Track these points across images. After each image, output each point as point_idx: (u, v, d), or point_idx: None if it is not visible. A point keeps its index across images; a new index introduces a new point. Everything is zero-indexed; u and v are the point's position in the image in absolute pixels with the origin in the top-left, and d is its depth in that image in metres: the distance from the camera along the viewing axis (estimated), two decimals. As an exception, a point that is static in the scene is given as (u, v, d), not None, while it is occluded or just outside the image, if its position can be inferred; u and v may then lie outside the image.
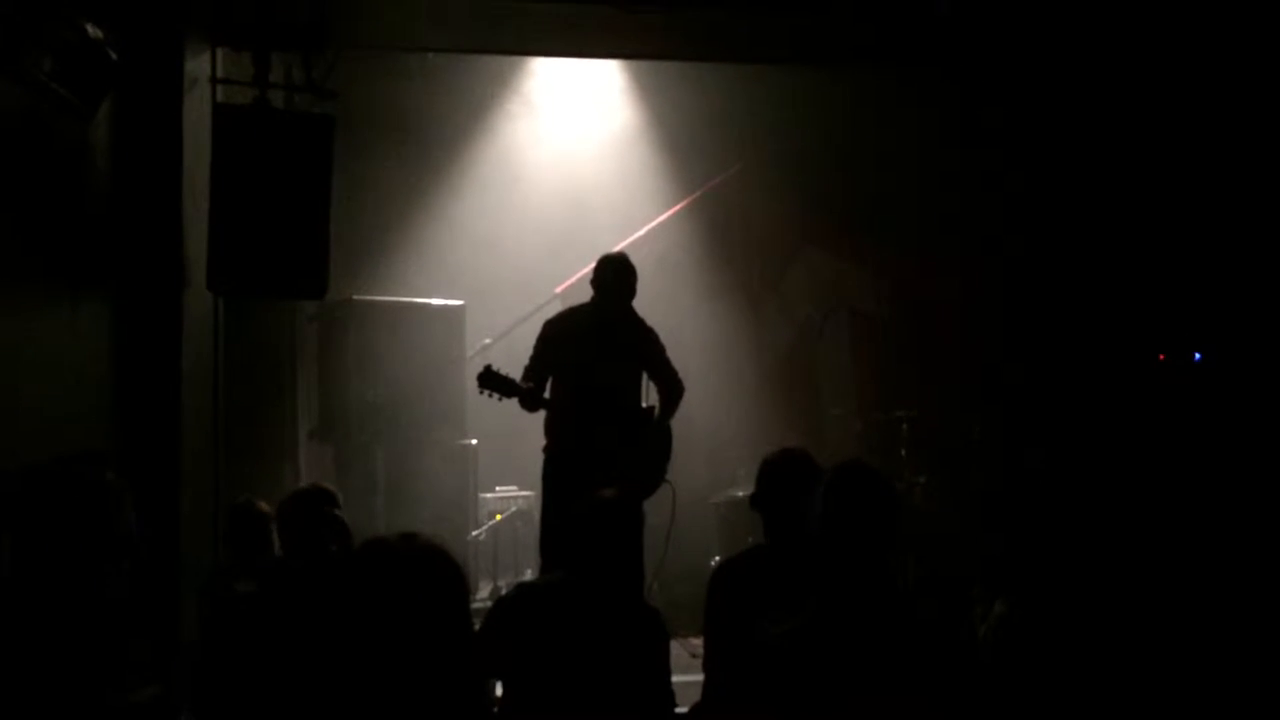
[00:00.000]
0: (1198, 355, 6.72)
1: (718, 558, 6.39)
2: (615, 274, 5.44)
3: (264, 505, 4.31)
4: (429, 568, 2.12)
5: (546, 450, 5.39)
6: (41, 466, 2.82)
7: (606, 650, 3.27)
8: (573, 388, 5.29)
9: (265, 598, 3.76)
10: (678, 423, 5.87)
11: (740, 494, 6.78)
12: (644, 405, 5.60)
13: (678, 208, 7.87)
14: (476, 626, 3.18)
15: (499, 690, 3.43)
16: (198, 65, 5.24)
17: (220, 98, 5.25)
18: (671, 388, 5.61)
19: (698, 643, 5.20)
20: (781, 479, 3.60)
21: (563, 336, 5.43)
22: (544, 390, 5.34)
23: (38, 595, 2.56)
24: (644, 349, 5.55)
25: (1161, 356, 6.79)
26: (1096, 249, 6.76)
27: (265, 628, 3.59)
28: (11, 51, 3.20)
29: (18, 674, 2.40)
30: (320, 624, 2.61)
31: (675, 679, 3.55)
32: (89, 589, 2.75)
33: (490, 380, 5.16)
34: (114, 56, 3.63)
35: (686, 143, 7.85)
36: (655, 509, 5.49)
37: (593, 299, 5.50)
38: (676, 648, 5.63)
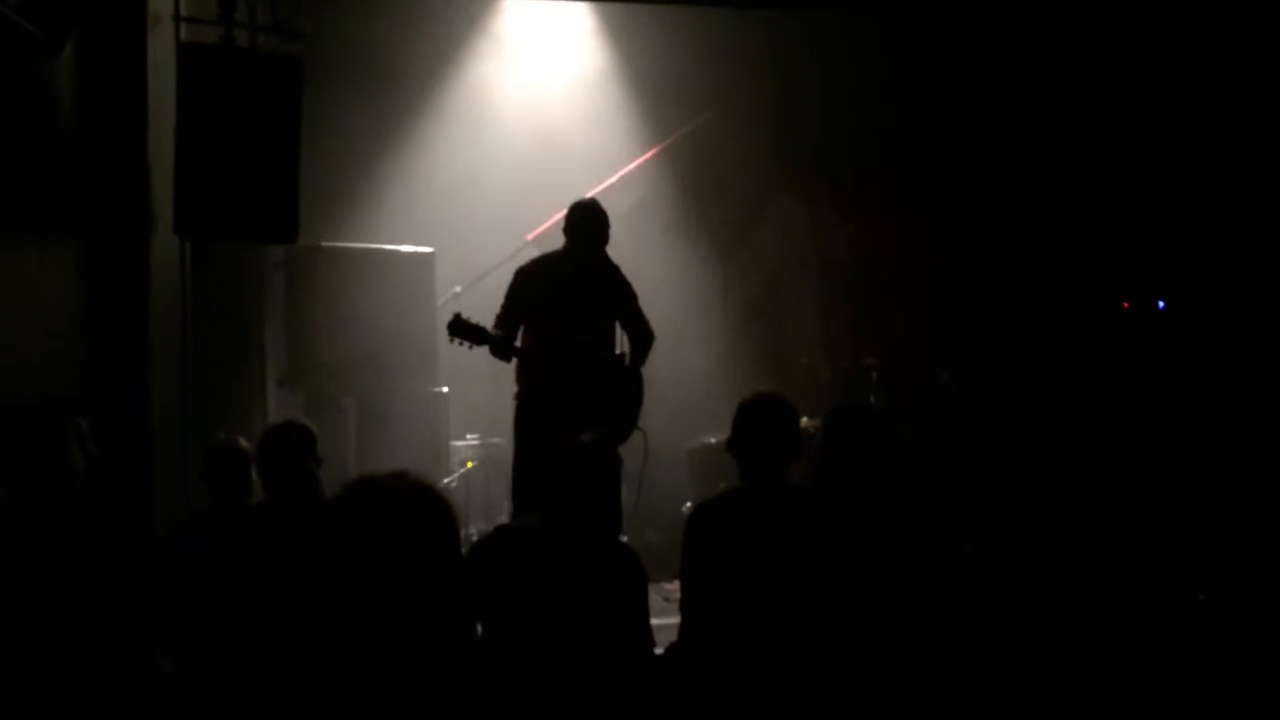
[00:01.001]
0: (1161, 304, 6.81)
1: (689, 504, 6.44)
2: (586, 221, 5.40)
3: (244, 443, 4.28)
4: (420, 505, 2.11)
5: (518, 398, 5.38)
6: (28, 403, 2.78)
7: (586, 593, 3.30)
8: (545, 335, 5.28)
9: (246, 541, 3.75)
10: (648, 370, 5.88)
11: (712, 440, 6.83)
12: (617, 353, 5.60)
13: (649, 154, 7.82)
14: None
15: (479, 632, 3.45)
16: (162, 3, 5.12)
17: (184, 36, 5.14)
18: (643, 336, 5.61)
19: (671, 586, 5.27)
20: (758, 423, 3.62)
21: (535, 284, 5.40)
22: (515, 338, 5.32)
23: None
24: (617, 296, 5.54)
25: (1126, 305, 6.88)
26: (1065, 197, 6.80)
27: (244, 573, 3.59)
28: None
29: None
30: (308, 563, 2.61)
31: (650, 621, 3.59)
32: (44, 527, 2.72)
33: (460, 329, 5.13)
34: (80, -9, 3.54)
35: (658, 87, 7.80)
36: (627, 455, 5.52)
37: (565, 246, 5.47)
38: (650, 592, 5.72)
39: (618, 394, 5.43)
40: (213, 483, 4.31)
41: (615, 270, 5.56)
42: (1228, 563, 4.55)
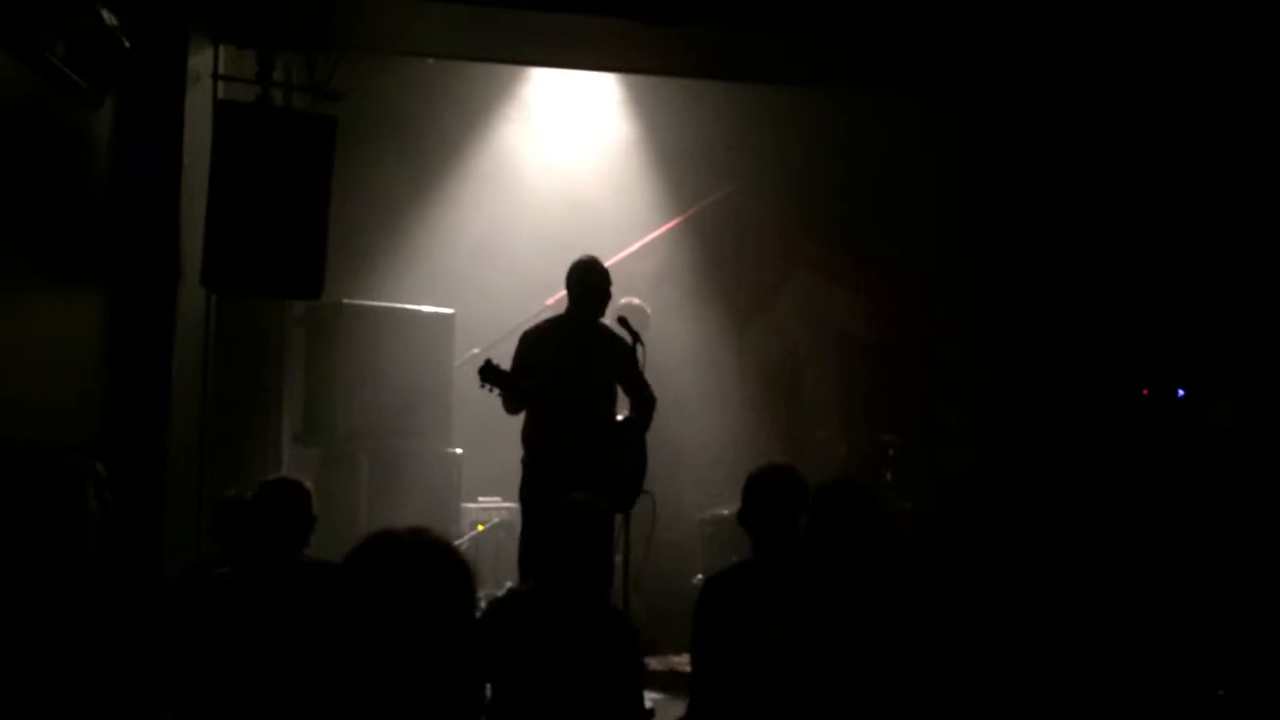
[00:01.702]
0: (1181, 392, 6.78)
1: (700, 575, 6.38)
2: (585, 277, 5.44)
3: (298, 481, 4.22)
4: (438, 562, 2.11)
5: (523, 460, 5.38)
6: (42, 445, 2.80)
7: (573, 654, 3.29)
8: (548, 398, 5.27)
9: (249, 588, 3.73)
10: (663, 441, 5.87)
11: (725, 512, 6.78)
12: (620, 417, 5.59)
13: (671, 224, 7.89)
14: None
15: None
16: (201, 61, 5.24)
17: (222, 94, 5.25)
18: (644, 401, 5.59)
19: (679, 660, 5.22)
20: (768, 494, 3.62)
21: (539, 347, 5.43)
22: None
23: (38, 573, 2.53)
24: (618, 360, 5.52)
25: (1145, 391, 6.85)
26: (1086, 278, 6.82)
27: (248, 616, 3.56)
28: (25, 33, 3.19)
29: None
30: (320, 616, 2.59)
31: (656, 696, 3.56)
32: (54, 569, 2.72)
33: (491, 374, 5.15)
34: (127, 44, 3.62)
35: (681, 158, 7.88)
36: (636, 521, 5.54)
37: (568, 307, 5.51)
38: (656, 663, 5.65)
39: (620, 460, 5.40)
40: (220, 537, 4.30)
41: (614, 333, 5.56)
42: (1248, 658, 4.48)
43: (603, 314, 5.52)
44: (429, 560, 2.12)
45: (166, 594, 4.43)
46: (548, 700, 3.27)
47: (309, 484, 4.00)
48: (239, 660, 3.45)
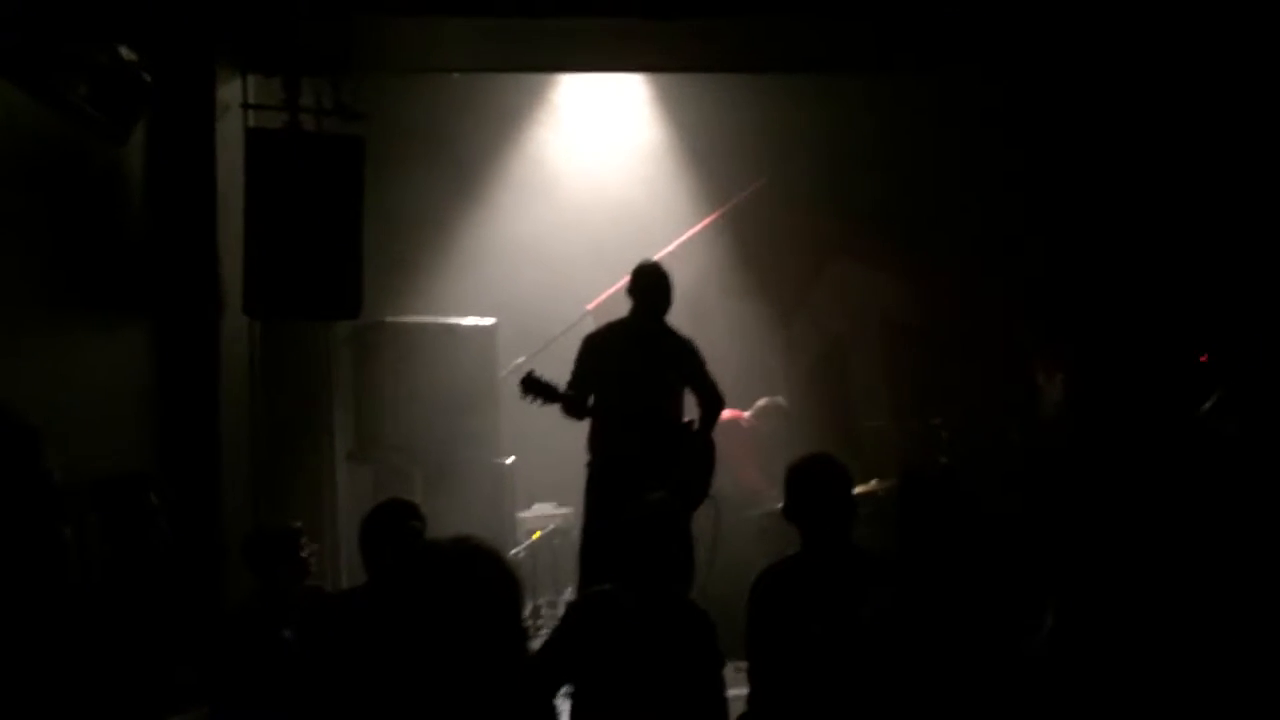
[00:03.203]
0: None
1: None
2: (650, 282, 5.43)
3: (290, 524, 4.24)
4: (482, 569, 2.10)
5: (589, 464, 5.38)
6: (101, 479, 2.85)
7: (658, 654, 3.26)
8: (614, 402, 5.28)
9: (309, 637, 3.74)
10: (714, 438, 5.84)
11: (779, 506, 6.73)
12: (685, 419, 5.57)
13: (707, 221, 7.85)
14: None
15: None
16: (230, 91, 5.31)
17: (252, 122, 5.32)
18: (711, 400, 5.58)
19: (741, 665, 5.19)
20: (810, 486, 3.59)
21: (603, 351, 5.43)
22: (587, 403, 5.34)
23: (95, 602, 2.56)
24: (683, 360, 5.52)
25: (1204, 358, 6.68)
26: (1133, 247, 6.68)
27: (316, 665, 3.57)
28: (47, 76, 3.25)
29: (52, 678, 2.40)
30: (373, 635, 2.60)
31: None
32: (129, 601, 2.76)
33: (532, 386, 5.18)
34: (147, 79, 3.68)
35: (713, 154, 7.85)
36: (698, 524, 5.50)
37: (631, 311, 5.50)
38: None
39: (688, 460, 5.39)
40: (258, 571, 4.24)
41: (680, 335, 5.55)
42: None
43: (665, 315, 5.51)
44: (474, 568, 2.12)
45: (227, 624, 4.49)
46: (633, 700, 3.26)
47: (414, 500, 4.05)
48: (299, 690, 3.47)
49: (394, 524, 3.89)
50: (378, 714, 2.16)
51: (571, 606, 3.56)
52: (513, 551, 6.93)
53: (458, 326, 7.08)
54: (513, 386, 5.43)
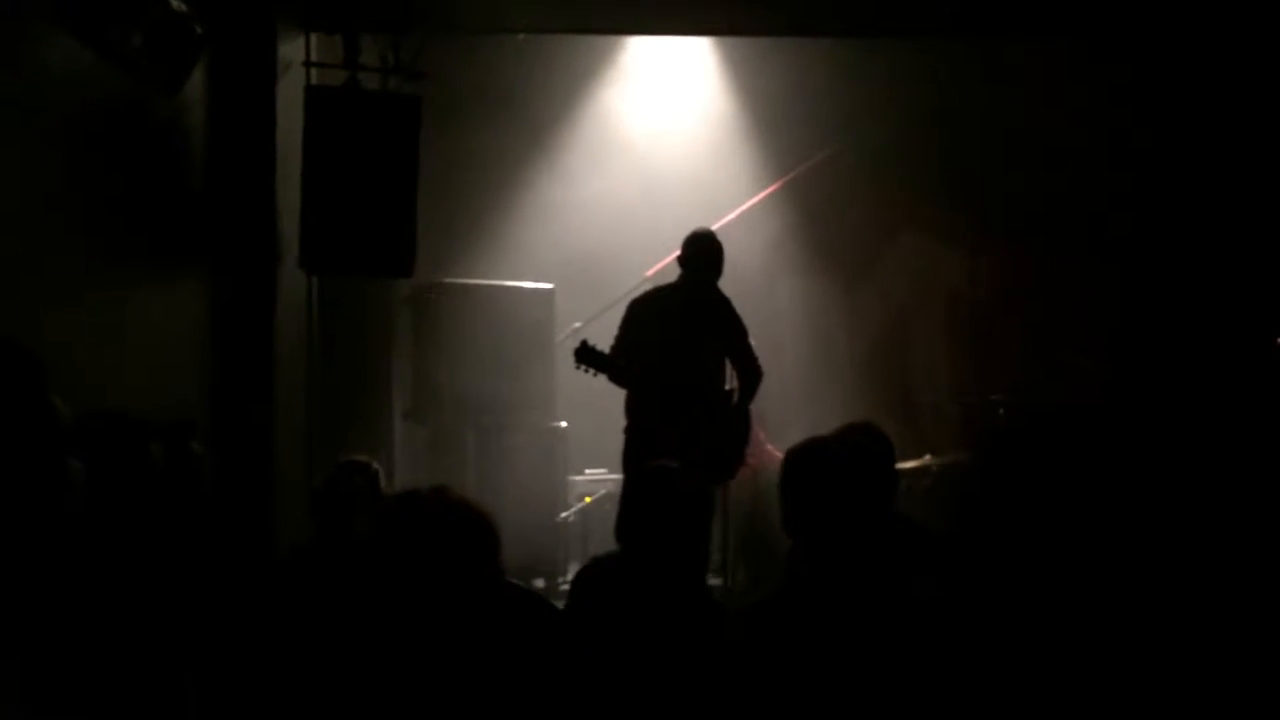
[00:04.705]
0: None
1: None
2: (702, 251, 5.40)
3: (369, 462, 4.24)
4: (458, 520, 2.12)
5: (627, 430, 5.38)
6: (133, 420, 2.89)
7: (656, 632, 3.19)
8: (654, 368, 5.26)
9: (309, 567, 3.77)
10: (770, 408, 5.81)
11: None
12: (726, 388, 5.54)
13: (770, 190, 7.76)
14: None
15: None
16: (293, 49, 5.36)
17: (314, 80, 5.36)
18: (751, 373, 5.54)
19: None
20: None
21: (647, 316, 5.41)
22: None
23: (109, 539, 2.61)
24: (727, 332, 5.49)
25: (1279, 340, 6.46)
26: (1206, 227, 6.46)
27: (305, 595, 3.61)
28: (102, 28, 3.31)
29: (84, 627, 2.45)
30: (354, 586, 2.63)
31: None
32: (163, 548, 2.81)
33: (587, 355, 5.19)
34: (199, 30, 3.73)
35: (781, 122, 7.75)
36: (736, 491, 5.48)
37: (680, 277, 5.47)
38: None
39: (725, 428, 5.36)
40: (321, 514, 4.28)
41: (727, 304, 5.51)
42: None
43: (715, 283, 5.46)
44: (449, 519, 2.14)
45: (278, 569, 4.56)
46: (633, 674, 3.21)
47: (376, 464, 4.03)
48: (296, 637, 3.50)
49: (340, 485, 3.89)
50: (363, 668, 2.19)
51: (576, 576, 3.50)
52: (563, 515, 6.98)
53: (516, 289, 7.11)
54: (569, 351, 5.44)
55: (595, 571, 3.51)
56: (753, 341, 5.62)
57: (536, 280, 7.19)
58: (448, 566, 2.08)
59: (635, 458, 5.29)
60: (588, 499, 7.05)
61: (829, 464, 2.79)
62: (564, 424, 7.10)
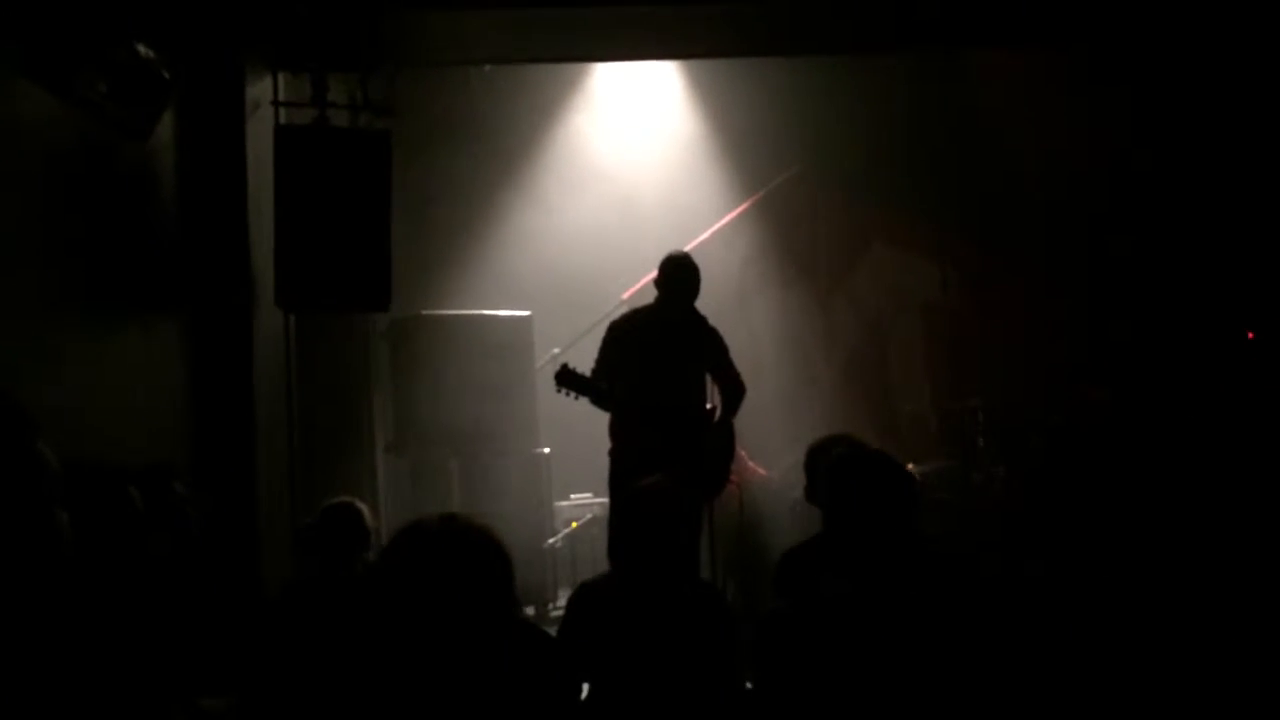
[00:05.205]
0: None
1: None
2: (679, 273, 5.44)
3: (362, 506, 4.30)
4: (469, 547, 2.11)
5: (611, 453, 5.39)
6: (111, 466, 2.89)
7: (668, 637, 3.24)
8: (636, 389, 5.29)
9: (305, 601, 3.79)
10: (751, 424, 5.83)
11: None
12: (707, 406, 5.57)
13: (743, 208, 7.83)
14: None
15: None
16: (260, 89, 5.38)
17: (283, 119, 5.38)
18: (733, 388, 5.58)
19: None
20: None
21: (627, 338, 5.44)
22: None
23: (97, 589, 2.61)
24: (706, 350, 5.53)
25: (1250, 335, 6.54)
26: (1172, 226, 6.54)
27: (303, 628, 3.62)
28: (68, 75, 3.32)
29: (69, 669, 2.45)
30: (362, 617, 2.63)
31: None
32: (149, 592, 2.80)
33: (567, 379, 5.20)
34: (167, 76, 3.75)
35: (750, 141, 7.82)
36: (721, 508, 5.50)
37: (656, 299, 5.51)
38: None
39: (708, 447, 5.39)
40: (324, 548, 4.30)
41: (705, 322, 5.55)
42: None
43: (692, 304, 5.50)
44: (460, 546, 2.13)
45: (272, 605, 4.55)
46: (644, 690, 3.24)
47: (359, 503, 4.08)
48: (298, 668, 3.51)
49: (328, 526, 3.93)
50: (379, 696, 2.18)
51: (569, 601, 3.52)
52: (550, 541, 6.98)
53: (493, 318, 7.13)
54: (549, 377, 5.45)
55: (589, 595, 3.53)
56: (732, 358, 5.66)
57: (514, 307, 7.21)
58: (463, 598, 2.06)
59: (621, 480, 5.31)
60: (574, 524, 7.05)
61: (873, 469, 2.86)
62: (547, 450, 7.11)
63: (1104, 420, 6.19)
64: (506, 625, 2.17)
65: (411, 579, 2.10)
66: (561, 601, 6.75)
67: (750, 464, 6.63)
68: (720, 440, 5.48)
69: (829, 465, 2.85)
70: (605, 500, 7.07)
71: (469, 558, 2.12)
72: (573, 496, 7.29)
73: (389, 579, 2.11)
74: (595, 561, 7.13)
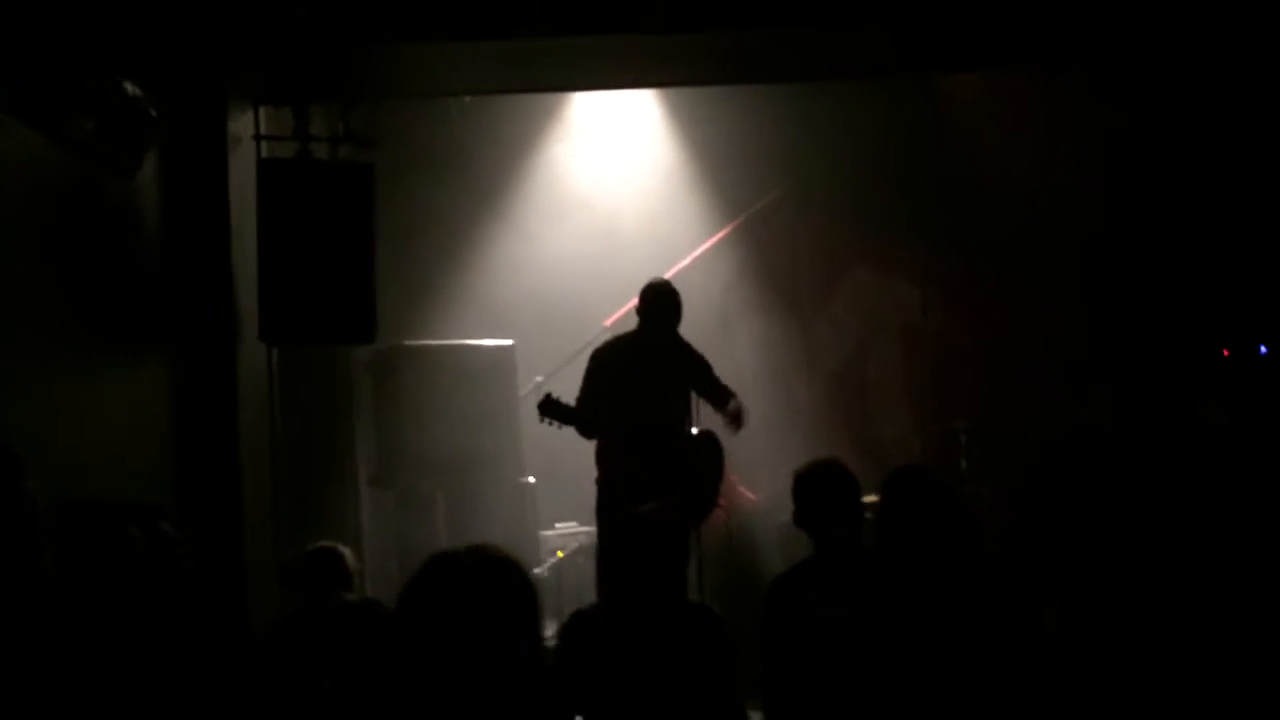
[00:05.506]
0: (1264, 349, 6.53)
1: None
2: (660, 300, 5.47)
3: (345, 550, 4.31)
4: (496, 579, 2.08)
5: (598, 481, 5.40)
6: (95, 504, 2.87)
7: (665, 665, 3.24)
8: (621, 415, 5.30)
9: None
10: (736, 448, 5.85)
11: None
12: (695, 430, 5.59)
13: (723, 233, 7.87)
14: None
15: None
16: (242, 123, 5.39)
17: (265, 153, 5.39)
18: (724, 397, 5.61)
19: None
20: (816, 492, 3.60)
21: (610, 365, 5.47)
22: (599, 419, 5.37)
23: (87, 625, 2.59)
24: (691, 372, 5.56)
25: (1226, 352, 6.61)
26: (1148, 245, 6.63)
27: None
28: (57, 114, 3.32)
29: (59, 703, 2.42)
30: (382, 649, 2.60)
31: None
32: (138, 632, 2.78)
33: (550, 408, 5.22)
34: (154, 113, 3.76)
35: (728, 167, 7.87)
36: (709, 533, 5.51)
37: (638, 326, 5.54)
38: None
39: (695, 471, 5.40)
40: (310, 586, 4.30)
41: (688, 346, 5.59)
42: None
43: (674, 331, 5.54)
44: (488, 578, 2.10)
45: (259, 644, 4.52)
46: (648, 711, 3.23)
47: (340, 547, 4.07)
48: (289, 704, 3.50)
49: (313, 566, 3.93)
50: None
51: (560, 632, 3.51)
52: (536, 570, 6.95)
53: (476, 348, 7.12)
54: (532, 406, 5.47)
55: (582, 624, 3.52)
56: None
57: (496, 336, 7.21)
58: (492, 633, 2.02)
59: (610, 507, 5.32)
60: (560, 553, 7.03)
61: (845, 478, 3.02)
62: (532, 479, 7.10)
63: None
64: (536, 659, 2.14)
65: (442, 611, 2.06)
66: (549, 632, 6.71)
67: (740, 489, 6.64)
68: (707, 464, 5.50)
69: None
70: (591, 529, 7.08)
71: (500, 590, 2.08)
72: (558, 525, 7.26)
73: (420, 610, 2.08)
74: (581, 590, 7.11)
